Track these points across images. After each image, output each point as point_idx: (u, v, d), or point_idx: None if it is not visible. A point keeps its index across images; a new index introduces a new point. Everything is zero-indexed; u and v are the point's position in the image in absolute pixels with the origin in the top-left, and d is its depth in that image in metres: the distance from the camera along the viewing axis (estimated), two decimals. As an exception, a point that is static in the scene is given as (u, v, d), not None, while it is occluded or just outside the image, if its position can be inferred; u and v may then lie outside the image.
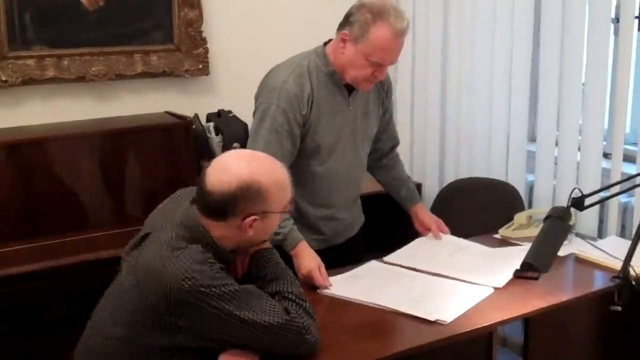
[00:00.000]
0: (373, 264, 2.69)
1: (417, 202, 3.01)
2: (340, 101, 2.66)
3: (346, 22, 2.55)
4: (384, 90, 2.83)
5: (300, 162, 2.63)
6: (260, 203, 1.96)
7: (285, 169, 2.05)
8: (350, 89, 2.67)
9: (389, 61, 2.56)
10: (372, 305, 2.32)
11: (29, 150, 3.17)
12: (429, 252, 2.78)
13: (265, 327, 1.91)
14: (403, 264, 2.66)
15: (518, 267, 2.40)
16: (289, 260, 2.50)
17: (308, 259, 2.52)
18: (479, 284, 2.48)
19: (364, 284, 2.50)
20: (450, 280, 2.52)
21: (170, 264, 1.87)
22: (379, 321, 2.25)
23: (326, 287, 2.46)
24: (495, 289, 2.45)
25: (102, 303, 2.07)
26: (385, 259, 2.72)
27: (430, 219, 2.95)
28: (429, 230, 2.93)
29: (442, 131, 3.89)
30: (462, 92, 3.71)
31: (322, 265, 2.51)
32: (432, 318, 2.21)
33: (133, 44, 3.59)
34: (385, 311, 2.29)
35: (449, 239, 2.91)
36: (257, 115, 2.60)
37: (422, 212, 2.98)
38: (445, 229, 2.95)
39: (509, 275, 2.45)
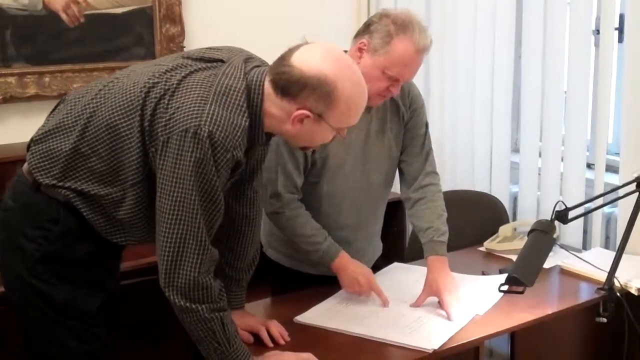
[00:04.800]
0: None
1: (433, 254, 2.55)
2: None
3: (366, 30, 2.35)
4: (406, 108, 2.57)
5: (310, 182, 2.49)
6: (322, 104, 1.86)
7: (365, 100, 1.95)
8: None
9: (406, 77, 2.37)
10: (364, 337, 2.22)
11: (11, 169, 3.13)
12: (401, 280, 2.62)
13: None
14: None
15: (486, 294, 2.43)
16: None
17: (356, 265, 2.45)
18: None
19: (349, 312, 2.38)
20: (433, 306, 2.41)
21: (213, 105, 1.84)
22: (364, 340, 2.22)
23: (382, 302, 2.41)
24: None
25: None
26: None
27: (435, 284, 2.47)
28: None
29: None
30: (444, 105, 3.72)
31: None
32: (429, 348, 2.14)
33: (114, 60, 3.57)
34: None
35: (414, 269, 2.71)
36: None
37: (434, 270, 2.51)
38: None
39: (489, 302, 2.44)
